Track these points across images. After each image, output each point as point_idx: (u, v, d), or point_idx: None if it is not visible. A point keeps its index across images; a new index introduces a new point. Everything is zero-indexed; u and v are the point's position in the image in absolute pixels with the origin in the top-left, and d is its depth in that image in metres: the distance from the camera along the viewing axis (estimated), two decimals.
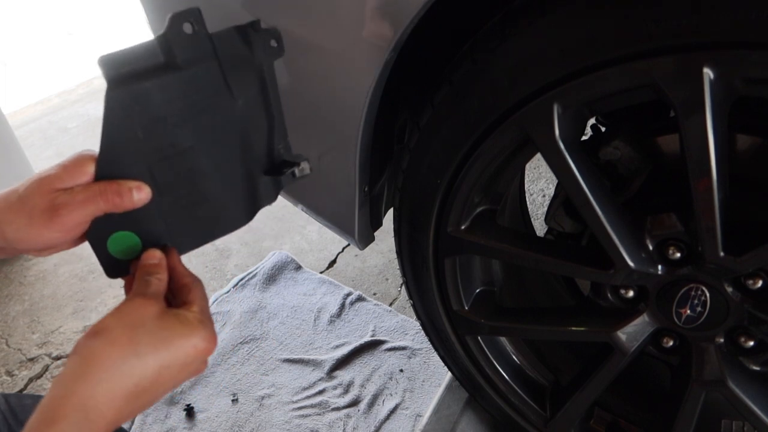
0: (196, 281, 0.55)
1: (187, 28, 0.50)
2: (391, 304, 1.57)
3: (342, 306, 1.53)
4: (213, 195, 0.58)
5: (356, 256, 1.76)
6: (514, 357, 0.98)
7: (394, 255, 0.98)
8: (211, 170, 0.56)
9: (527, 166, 1.06)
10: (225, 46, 0.54)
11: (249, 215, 0.62)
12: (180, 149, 0.53)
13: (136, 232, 0.54)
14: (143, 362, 0.46)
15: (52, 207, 0.49)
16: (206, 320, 0.52)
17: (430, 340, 1.03)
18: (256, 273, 1.67)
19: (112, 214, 0.51)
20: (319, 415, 1.26)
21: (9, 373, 1.47)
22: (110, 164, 0.51)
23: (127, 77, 0.48)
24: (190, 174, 0.55)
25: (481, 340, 0.93)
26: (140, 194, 0.51)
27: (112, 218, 0.52)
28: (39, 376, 1.46)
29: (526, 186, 1.87)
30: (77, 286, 1.74)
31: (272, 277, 1.66)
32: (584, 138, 0.77)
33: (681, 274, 0.68)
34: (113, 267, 0.54)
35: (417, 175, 0.80)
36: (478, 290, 0.91)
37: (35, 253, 0.55)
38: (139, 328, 0.47)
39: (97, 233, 0.52)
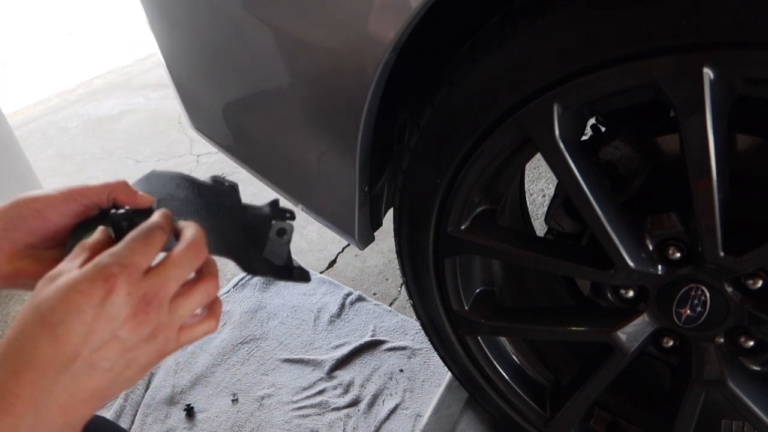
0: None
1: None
2: (391, 304, 1.57)
3: (342, 306, 1.53)
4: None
5: (356, 256, 1.76)
6: (514, 357, 0.98)
7: (394, 255, 0.98)
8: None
9: (527, 166, 1.06)
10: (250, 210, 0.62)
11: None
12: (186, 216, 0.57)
13: None
14: (28, 331, 0.42)
15: (67, 190, 0.52)
16: (101, 259, 0.44)
17: (430, 340, 1.03)
18: None
19: (104, 217, 0.52)
20: (319, 415, 1.26)
21: None
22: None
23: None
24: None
25: (481, 340, 0.93)
26: (144, 199, 0.53)
27: (101, 220, 0.52)
28: None
29: (526, 186, 1.87)
30: None
31: None
32: (584, 138, 0.77)
33: (681, 274, 0.68)
34: None
35: (417, 175, 0.80)
36: (478, 290, 0.91)
37: (8, 283, 0.53)
38: (30, 301, 0.44)
39: (84, 224, 0.52)
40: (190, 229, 0.50)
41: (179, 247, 0.47)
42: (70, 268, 0.44)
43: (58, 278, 0.44)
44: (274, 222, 0.59)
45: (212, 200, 0.58)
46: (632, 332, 0.76)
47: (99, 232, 0.49)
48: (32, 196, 0.51)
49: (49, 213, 0.51)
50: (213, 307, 0.52)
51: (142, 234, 0.46)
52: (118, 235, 0.48)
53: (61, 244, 0.53)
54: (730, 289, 0.66)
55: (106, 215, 0.52)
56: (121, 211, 0.50)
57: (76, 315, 0.41)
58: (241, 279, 1.66)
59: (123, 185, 0.52)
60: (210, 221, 0.56)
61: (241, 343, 1.45)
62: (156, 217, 0.49)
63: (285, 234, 0.59)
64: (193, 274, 0.49)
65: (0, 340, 0.43)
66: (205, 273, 0.50)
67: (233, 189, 0.60)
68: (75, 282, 0.42)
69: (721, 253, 0.62)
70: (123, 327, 0.43)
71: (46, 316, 0.42)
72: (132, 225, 0.48)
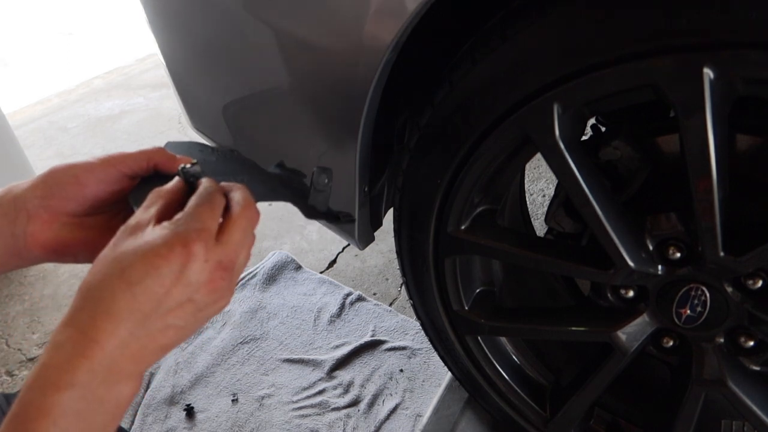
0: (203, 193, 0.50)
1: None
2: (391, 304, 1.57)
3: (342, 306, 1.53)
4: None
5: (356, 256, 1.76)
6: (514, 357, 0.98)
7: (394, 255, 0.98)
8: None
9: (527, 166, 1.06)
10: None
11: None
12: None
13: None
14: (107, 282, 0.43)
15: (105, 156, 0.52)
16: (178, 224, 0.45)
17: (430, 340, 1.03)
18: (256, 273, 1.67)
19: (157, 179, 0.52)
20: (319, 415, 1.26)
21: (9, 373, 1.47)
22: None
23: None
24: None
25: (481, 340, 0.93)
26: (185, 162, 0.53)
27: (158, 183, 0.52)
28: None
29: (526, 186, 1.87)
30: (77, 286, 1.73)
31: (272, 277, 1.66)
32: (584, 138, 0.77)
33: (681, 274, 0.68)
34: None
35: (417, 175, 0.80)
36: (478, 290, 0.91)
37: (57, 255, 0.54)
38: (111, 249, 0.45)
39: (140, 190, 0.53)
40: (238, 192, 0.51)
41: (238, 211, 0.49)
42: (146, 218, 0.46)
43: (138, 232, 0.45)
44: (316, 168, 0.59)
45: (241, 159, 0.59)
46: (632, 332, 0.76)
47: (174, 183, 0.50)
48: (70, 163, 0.52)
49: (87, 179, 0.52)
50: None
51: (205, 198, 0.48)
52: (188, 190, 0.50)
53: (101, 211, 0.54)
54: (730, 289, 0.66)
55: (161, 177, 0.53)
56: (189, 166, 0.51)
57: (156, 278, 0.43)
58: (241, 279, 1.66)
59: (161, 151, 0.54)
60: (253, 174, 0.57)
61: (241, 343, 1.45)
62: (209, 181, 0.50)
63: (328, 179, 0.60)
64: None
65: (76, 290, 0.44)
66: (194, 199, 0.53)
67: (239, 153, 0.61)
68: (155, 244, 0.44)
69: (721, 253, 0.62)
70: (199, 291, 0.45)
71: (125, 271, 0.43)
72: (197, 181, 0.50)
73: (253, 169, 0.61)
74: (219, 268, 0.46)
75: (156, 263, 0.43)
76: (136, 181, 0.54)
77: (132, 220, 0.47)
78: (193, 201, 0.47)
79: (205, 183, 0.50)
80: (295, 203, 0.59)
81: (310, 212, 0.60)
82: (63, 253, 0.54)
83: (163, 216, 0.47)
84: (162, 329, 0.45)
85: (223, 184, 0.51)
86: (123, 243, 0.45)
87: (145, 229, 0.45)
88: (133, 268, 0.43)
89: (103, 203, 0.54)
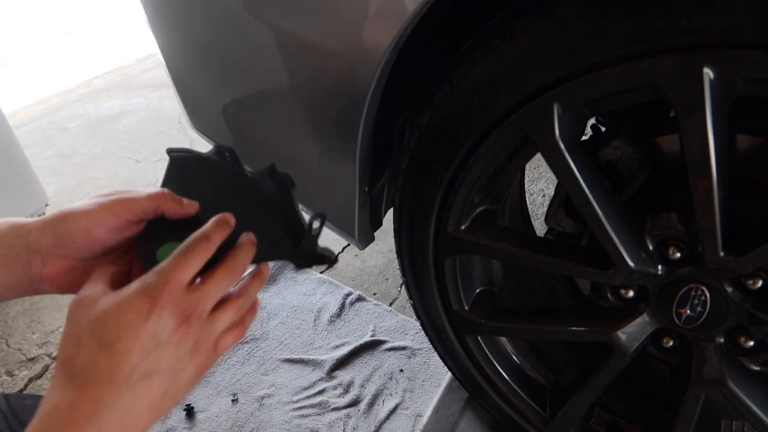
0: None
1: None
2: (391, 304, 1.57)
3: (342, 306, 1.53)
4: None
5: (356, 256, 1.76)
6: (514, 357, 0.98)
7: (394, 255, 0.98)
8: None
9: (527, 166, 1.06)
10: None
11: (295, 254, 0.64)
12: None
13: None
14: (84, 353, 0.45)
15: (116, 197, 0.54)
16: (148, 276, 0.48)
17: (430, 340, 1.03)
18: None
19: (165, 226, 0.54)
20: (319, 415, 1.26)
21: (9, 373, 1.47)
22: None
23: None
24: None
25: (481, 340, 0.93)
26: (191, 207, 0.56)
27: (164, 229, 0.54)
28: (39, 376, 1.46)
29: (526, 186, 1.86)
30: None
31: (272, 277, 1.66)
32: (584, 138, 0.77)
33: (681, 274, 0.68)
34: None
35: (417, 175, 0.80)
36: (478, 290, 0.91)
37: (69, 291, 0.56)
38: (81, 321, 0.47)
39: (148, 242, 0.55)
40: (238, 251, 0.54)
41: (220, 267, 0.52)
42: (97, 291, 0.49)
43: (102, 298, 0.47)
44: (312, 215, 0.60)
45: (242, 189, 0.60)
46: (632, 332, 0.76)
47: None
48: (78, 211, 0.53)
49: (97, 231, 0.54)
50: (243, 317, 0.56)
51: (183, 249, 0.50)
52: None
53: (111, 252, 0.57)
54: (730, 289, 0.66)
55: (167, 221, 0.55)
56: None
57: (128, 331, 0.45)
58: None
59: (168, 196, 0.55)
60: (255, 223, 0.58)
61: (241, 343, 1.45)
62: (207, 226, 0.52)
63: (321, 223, 0.61)
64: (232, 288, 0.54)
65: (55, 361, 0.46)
66: (244, 288, 0.56)
67: (233, 154, 0.61)
68: (124, 299, 0.46)
69: (721, 253, 0.62)
70: (170, 338, 0.47)
71: (102, 335, 0.45)
72: None
73: (245, 197, 0.61)
74: (184, 315, 0.48)
75: (126, 318, 0.45)
76: (143, 224, 0.56)
77: (79, 295, 0.49)
78: (175, 251, 0.50)
79: (205, 226, 0.52)
80: (287, 257, 0.61)
81: (301, 262, 0.61)
82: (75, 290, 0.56)
83: (114, 285, 0.50)
84: (141, 382, 0.46)
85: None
86: (88, 310, 0.47)
87: (100, 298, 0.47)
88: (107, 328, 0.45)
89: (113, 248, 0.56)
